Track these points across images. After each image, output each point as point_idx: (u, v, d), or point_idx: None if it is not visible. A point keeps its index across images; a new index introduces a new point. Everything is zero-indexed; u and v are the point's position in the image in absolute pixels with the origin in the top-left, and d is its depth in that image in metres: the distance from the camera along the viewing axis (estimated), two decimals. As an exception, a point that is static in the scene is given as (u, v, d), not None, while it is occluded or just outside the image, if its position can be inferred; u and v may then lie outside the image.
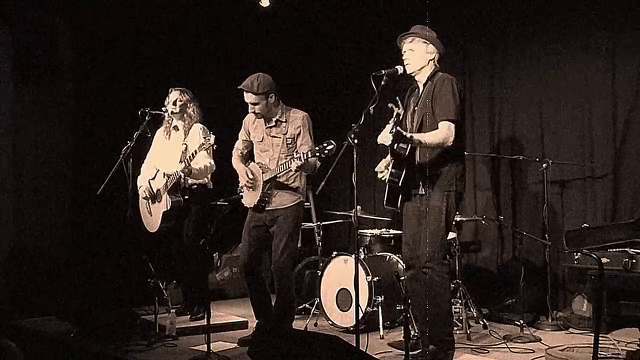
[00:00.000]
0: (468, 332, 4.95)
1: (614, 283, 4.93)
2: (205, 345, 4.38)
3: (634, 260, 4.84)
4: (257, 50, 7.19)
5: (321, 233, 5.98)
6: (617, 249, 4.95)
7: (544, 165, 5.43)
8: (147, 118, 5.17)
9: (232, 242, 6.96)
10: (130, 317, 5.10)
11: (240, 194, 4.95)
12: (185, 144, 5.16)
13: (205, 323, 4.45)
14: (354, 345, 3.72)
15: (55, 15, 6.29)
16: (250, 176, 4.80)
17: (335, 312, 5.33)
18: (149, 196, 5.50)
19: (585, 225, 5.37)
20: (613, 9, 5.60)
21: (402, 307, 4.75)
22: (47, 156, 6.35)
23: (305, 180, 4.91)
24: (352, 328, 5.07)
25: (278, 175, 4.73)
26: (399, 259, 5.45)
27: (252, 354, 3.84)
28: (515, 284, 5.37)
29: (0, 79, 6.17)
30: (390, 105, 4.05)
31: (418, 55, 4.28)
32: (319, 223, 6.01)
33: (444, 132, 4.11)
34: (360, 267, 4.66)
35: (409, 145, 4.11)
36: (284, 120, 4.82)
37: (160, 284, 5.23)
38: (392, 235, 5.77)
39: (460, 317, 5.09)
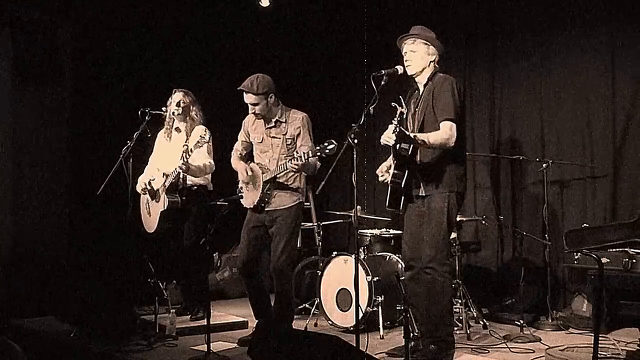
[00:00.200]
0: (468, 332, 4.95)
1: (614, 283, 4.93)
2: (205, 345, 4.38)
3: (634, 260, 4.84)
4: (257, 50, 7.20)
5: (321, 233, 5.98)
6: (617, 249, 4.94)
7: (544, 165, 5.43)
8: (147, 118, 5.17)
9: (232, 242, 6.95)
10: (130, 317, 5.10)
11: (240, 194, 4.95)
12: (186, 145, 5.17)
13: (205, 323, 4.44)
14: (354, 345, 3.72)
15: (55, 16, 6.29)
16: (250, 172, 4.79)
17: (335, 312, 5.33)
18: (145, 191, 5.47)
19: (585, 225, 5.36)
20: (613, 8, 5.60)
21: (402, 307, 4.76)
22: (47, 156, 6.35)
23: (305, 181, 4.91)
24: (352, 328, 5.07)
25: (278, 176, 4.73)
26: (399, 259, 5.46)
27: (252, 354, 3.84)
28: (515, 284, 5.37)
29: (0, 79, 6.16)
30: (393, 104, 4.05)
31: (419, 57, 4.28)
32: (319, 223, 6.01)
33: (446, 132, 4.12)
34: (360, 267, 4.66)
35: (411, 146, 4.11)
36: (284, 120, 4.82)
37: (160, 284, 5.23)
38: (392, 235, 5.77)
39: (460, 317, 5.09)
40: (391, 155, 4.28)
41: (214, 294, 6.48)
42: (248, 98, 4.74)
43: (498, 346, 4.73)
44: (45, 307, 5.61)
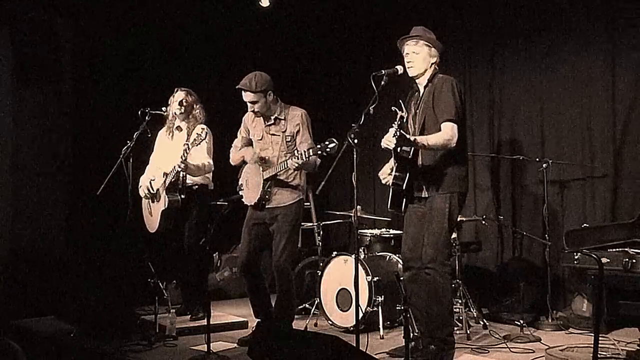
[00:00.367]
0: (468, 332, 4.95)
1: (614, 283, 4.93)
2: (205, 345, 4.38)
3: (634, 260, 4.84)
4: (257, 50, 7.20)
5: (321, 233, 5.98)
6: (617, 249, 4.95)
7: (544, 165, 5.43)
8: (147, 118, 5.17)
9: (232, 242, 6.96)
10: (130, 317, 5.10)
11: (240, 192, 4.95)
12: (187, 144, 5.17)
13: (205, 323, 4.44)
14: (354, 345, 3.72)
15: (55, 15, 6.29)
16: (258, 151, 4.76)
17: (335, 312, 5.33)
18: (148, 195, 5.50)
19: (585, 225, 5.38)
20: (613, 8, 5.60)
21: (402, 307, 4.75)
22: (47, 156, 6.35)
23: (305, 178, 4.91)
24: (352, 328, 5.07)
25: (278, 174, 4.73)
26: (399, 259, 5.44)
27: (252, 354, 3.84)
28: (515, 284, 5.37)
29: (0, 79, 6.16)
30: (393, 108, 4.05)
31: (422, 59, 4.27)
32: (319, 223, 6.01)
33: (447, 133, 4.12)
34: (360, 267, 4.66)
35: (412, 148, 4.11)
36: (283, 118, 4.82)
37: (160, 284, 5.22)
38: (392, 235, 5.77)
39: (460, 317, 5.09)
40: (392, 159, 4.28)
41: (214, 294, 6.47)
42: (247, 96, 4.74)
43: (498, 346, 4.72)
44: (45, 307, 5.61)
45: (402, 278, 4.43)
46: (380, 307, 5.10)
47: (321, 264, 5.60)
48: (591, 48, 5.73)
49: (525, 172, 6.11)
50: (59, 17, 6.31)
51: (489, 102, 6.38)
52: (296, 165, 4.53)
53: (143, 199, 5.57)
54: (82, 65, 6.50)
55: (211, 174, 5.52)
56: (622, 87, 5.57)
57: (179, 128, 5.54)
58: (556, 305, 5.52)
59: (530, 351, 4.57)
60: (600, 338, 3.70)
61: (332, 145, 4.31)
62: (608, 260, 4.86)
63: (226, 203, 5.37)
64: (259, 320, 4.94)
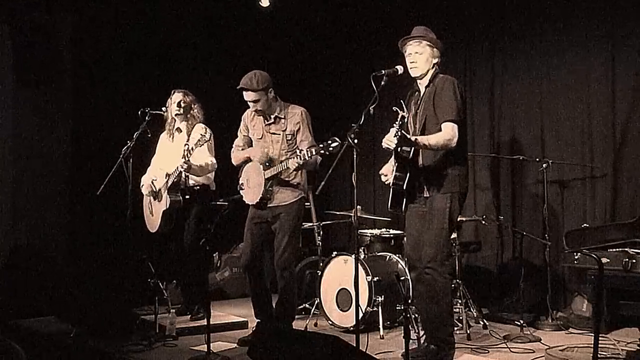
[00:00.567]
0: (468, 332, 4.95)
1: (614, 283, 4.93)
2: (205, 345, 4.38)
3: (634, 260, 4.84)
4: (257, 50, 7.19)
5: (321, 233, 5.98)
6: (617, 249, 4.94)
7: (544, 165, 5.43)
8: (147, 118, 5.17)
9: (232, 242, 6.96)
10: (130, 317, 5.10)
11: (241, 191, 4.95)
12: (187, 144, 5.17)
13: (205, 323, 4.44)
14: (354, 345, 3.72)
15: (55, 15, 6.29)
16: (265, 150, 4.77)
17: (335, 312, 5.33)
18: (151, 193, 5.49)
19: (585, 225, 5.37)
20: (613, 8, 5.60)
21: (402, 307, 4.75)
22: (47, 156, 6.35)
23: (306, 177, 4.91)
24: (352, 328, 5.07)
25: (280, 173, 4.74)
26: (399, 259, 5.46)
27: (252, 354, 3.84)
28: (515, 284, 5.37)
29: (0, 79, 6.16)
30: (394, 108, 4.05)
31: (425, 59, 4.27)
32: (319, 223, 6.01)
33: (448, 133, 4.12)
34: (360, 267, 4.66)
35: (412, 148, 4.11)
36: (283, 116, 4.83)
37: (160, 284, 5.23)
38: (392, 235, 5.77)
39: (460, 317, 5.09)
40: (392, 158, 4.28)
41: (214, 294, 6.48)
42: (248, 96, 4.74)
43: (498, 346, 4.72)
44: (45, 307, 5.61)
45: (402, 278, 4.45)
46: (380, 307, 5.10)
47: (321, 264, 5.60)
48: (591, 48, 5.73)
49: (525, 172, 6.11)
50: (59, 17, 6.31)
51: (489, 102, 6.38)
52: (297, 165, 4.54)
53: (144, 198, 5.58)
54: (82, 65, 6.50)
55: (213, 173, 5.52)
56: (622, 87, 5.57)
57: (178, 129, 5.54)
58: (556, 305, 5.52)
59: (530, 351, 4.58)
60: (600, 338, 3.70)
61: (334, 144, 4.31)
62: (608, 260, 4.86)
63: (226, 203, 5.36)
64: (259, 320, 4.94)
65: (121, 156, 5.03)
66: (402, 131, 3.96)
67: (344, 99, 7.38)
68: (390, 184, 4.26)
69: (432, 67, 4.31)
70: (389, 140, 3.99)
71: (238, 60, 7.03)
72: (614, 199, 5.58)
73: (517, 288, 5.29)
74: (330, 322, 5.35)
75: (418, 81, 4.37)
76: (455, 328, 4.88)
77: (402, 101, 4.30)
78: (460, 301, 5.16)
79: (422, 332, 4.46)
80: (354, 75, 7.25)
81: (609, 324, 5.02)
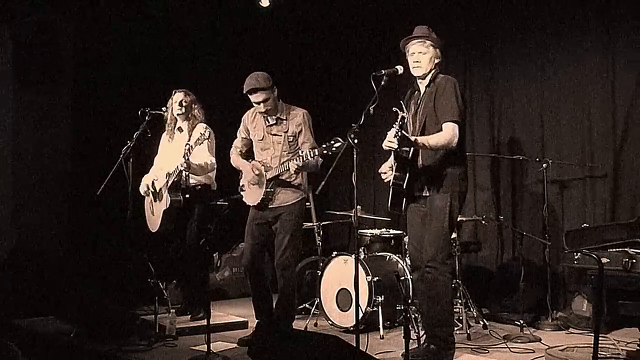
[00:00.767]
0: (468, 332, 4.95)
1: (614, 283, 4.93)
2: (205, 345, 4.38)
3: (634, 260, 4.84)
4: (256, 50, 7.20)
5: (321, 233, 5.98)
6: (617, 249, 4.94)
7: (544, 165, 5.43)
8: (147, 118, 5.17)
9: (233, 242, 6.96)
10: (130, 317, 5.10)
11: (241, 192, 4.95)
12: (188, 143, 5.17)
13: (205, 323, 4.44)
14: (354, 345, 3.72)
15: (55, 16, 6.29)
16: (257, 172, 4.79)
17: (335, 312, 5.33)
18: (148, 192, 5.49)
19: (585, 225, 5.37)
20: (613, 8, 5.60)
21: (402, 307, 4.75)
22: (47, 156, 6.35)
23: (307, 177, 4.92)
24: (352, 328, 5.07)
25: (281, 174, 4.74)
26: (399, 259, 5.46)
27: (252, 354, 3.84)
28: (515, 284, 5.36)
29: (1, 79, 6.16)
30: (395, 109, 4.05)
31: (428, 59, 4.28)
32: (319, 223, 6.01)
33: (448, 133, 4.13)
34: (360, 267, 4.65)
35: (411, 148, 4.11)
36: (284, 118, 4.83)
37: (160, 284, 5.22)
38: (392, 235, 5.77)
39: (460, 317, 5.09)
40: (392, 157, 4.28)
41: (214, 294, 6.48)
42: (258, 96, 4.73)
43: (498, 346, 4.72)
44: (45, 307, 5.61)
45: (402, 278, 4.45)
46: (380, 307, 5.10)
47: (321, 264, 5.60)
48: (591, 48, 5.73)
49: (525, 172, 6.11)
50: (59, 18, 6.31)
51: (489, 102, 6.38)
52: (297, 167, 4.55)
53: (146, 198, 5.58)
54: (82, 65, 6.50)
55: (214, 173, 5.52)
56: (622, 87, 5.57)
57: (179, 129, 5.55)
58: (556, 305, 5.52)
59: (530, 351, 4.57)
60: (600, 338, 3.70)
61: (337, 144, 4.30)
62: (608, 260, 4.86)
63: (226, 203, 5.37)
64: (259, 320, 4.94)
65: (121, 156, 5.02)
66: (403, 132, 3.96)
67: (344, 99, 7.38)
68: (390, 184, 4.26)
69: (434, 67, 4.31)
70: (390, 141, 3.99)
71: (238, 60, 7.04)
72: (614, 199, 5.58)
73: (517, 288, 5.28)
74: (330, 322, 5.35)
75: (418, 81, 4.37)
76: (455, 328, 4.87)
77: (401, 102, 4.31)
78: (460, 301, 5.16)
79: (422, 332, 4.46)
80: (354, 75, 7.25)
81: (609, 324, 5.02)
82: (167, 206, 5.33)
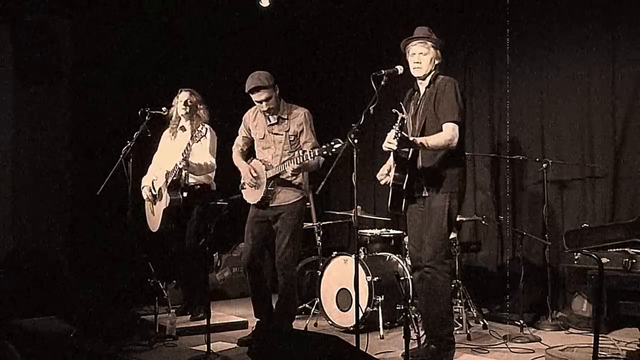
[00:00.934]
0: (468, 332, 4.95)
1: (614, 283, 4.93)
2: (205, 345, 4.38)
3: (634, 260, 4.84)
4: (256, 50, 7.20)
5: (321, 233, 5.98)
6: (617, 249, 4.95)
7: (544, 165, 5.43)
8: (147, 118, 5.17)
9: (232, 242, 6.96)
10: (130, 317, 5.10)
11: (243, 189, 4.95)
12: (189, 143, 5.17)
13: (205, 323, 4.44)
14: (354, 345, 3.72)
15: (55, 16, 6.29)
16: (254, 174, 4.80)
17: (335, 312, 5.33)
18: (150, 197, 5.50)
19: (585, 225, 5.38)
20: (613, 8, 5.60)
21: (402, 307, 4.76)
22: (47, 156, 6.35)
23: (307, 177, 4.92)
24: (352, 328, 5.07)
25: (281, 173, 4.74)
26: (399, 259, 5.46)
27: (252, 354, 3.84)
28: (515, 284, 5.37)
29: (1, 79, 6.16)
30: (394, 110, 4.05)
31: (429, 59, 4.28)
32: (319, 223, 6.01)
33: (449, 133, 4.13)
34: (360, 267, 4.66)
35: (411, 149, 4.11)
36: (286, 117, 4.83)
37: (160, 284, 5.22)
38: (392, 235, 5.78)
39: (460, 317, 5.09)
40: (391, 158, 4.29)
41: (214, 294, 6.48)
42: (261, 95, 4.73)
43: (498, 346, 4.72)
44: (45, 307, 5.61)
45: (402, 278, 4.45)
46: (380, 307, 5.10)
47: (321, 264, 5.60)
48: (591, 48, 5.73)
49: (525, 172, 6.11)
50: (59, 18, 6.31)
51: (489, 102, 6.39)
52: (293, 169, 4.56)
53: (145, 199, 5.58)
54: (82, 65, 6.50)
55: (213, 173, 5.52)
56: (622, 87, 5.57)
57: (182, 128, 5.54)
58: (556, 305, 5.52)
59: (530, 351, 4.57)
60: (600, 338, 3.70)
61: (337, 145, 4.31)
62: (608, 260, 4.86)
63: (226, 203, 5.37)
64: (259, 320, 4.94)
65: (121, 156, 5.02)
66: (402, 133, 3.97)
67: (344, 99, 7.38)
68: (390, 185, 4.26)
69: (434, 68, 4.32)
70: (389, 142, 3.99)
71: (238, 60, 7.04)
72: (614, 199, 5.58)
73: (517, 288, 5.29)
74: (330, 322, 5.35)
75: (419, 81, 4.37)
76: (455, 328, 4.88)
77: (401, 103, 4.31)
78: (460, 301, 5.16)
79: (422, 332, 4.46)
80: (354, 75, 7.25)
81: (609, 324, 5.02)
82: (167, 205, 5.33)
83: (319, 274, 5.49)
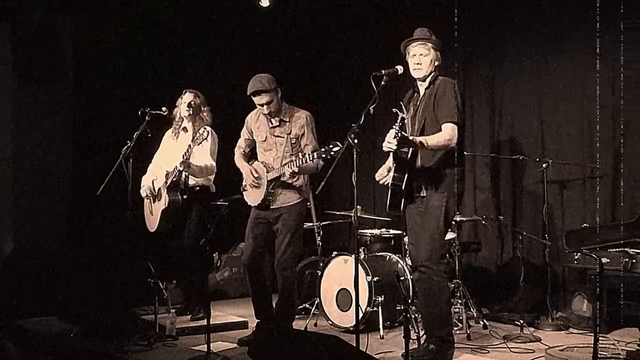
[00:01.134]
0: (468, 332, 4.95)
1: (614, 283, 4.93)
2: (205, 345, 4.38)
3: (634, 260, 4.84)
4: (257, 50, 7.20)
5: (321, 233, 5.98)
6: (617, 249, 4.95)
7: (544, 165, 5.43)
8: (147, 118, 5.16)
9: (232, 242, 6.96)
10: (130, 317, 5.10)
11: (244, 191, 4.95)
12: (190, 145, 5.17)
13: (205, 323, 4.44)
14: (354, 345, 3.72)
15: (56, 15, 6.29)
16: (256, 175, 4.81)
17: (335, 312, 5.33)
18: (149, 195, 5.51)
19: (585, 225, 5.38)
20: (613, 8, 5.60)
21: (402, 307, 4.75)
22: (47, 156, 6.35)
23: (308, 178, 4.92)
24: (352, 328, 5.07)
25: (282, 175, 4.75)
26: (399, 259, 5.46)
27: (252, 354, 3.85)
28: (515, 284, 5.37)
29: (1, 78, 6.16)
30: (394, 110, 4.06)
31: (429, 61, 4.29)
32: (319, 223, 6.01)
33: (448, 133, 4.14)
34: (360, 267, 4.65)
35: (410, 149, 4.12)
36: (287, 120, 4.84)
37: (160, 284, 5.22)
38: (392, 235, 5.77)
39: (460, 317, 5.09)
40: (390, 158, 4.29)
41: (214, 294, 6.48)
42: (262, 98, 4.73)
43: (498, 346, 4.72)
44: (45, 307, 5.61)
45: (402, 278, 4.45)
46: (380, 307, 5.10)
47: (321, 264, 5.60)
48: (591, 48, 5.72)
49: (525, 172, 6.11)
50: (60, 16, 6.31)
51: (489, 102, 6.38)
52: (291, 172, 4.59)
53: (145, 198, 5.58)
54: (83, 64, 6.50)
55: (213, 176, 5.51)
56: (622, 87, 5.56)
57: (185, 129, 5.54)
58: (556, 305, 5.52)
59: (530, 351, 4.58)
60: (600, 338, 3.71)
61: (336, 148, 4.32)
62: (608, 260, 4.86)
63: (226, 203, 5.37)
64: (259, 320, 4.95)
65: (121, 156, 5.02)
66: (402, 133, 3.97)
67: (344, 99, 7.37)
68: (389, 185, 4.26)
69: (434, 69, 4.32)
70: (389, 142, 4.00)
71: (237, 60, 7.04)
72: (614, 199, 5.58)
73: (517, 288, 5.29)
74: (330, 322, 5.35)
75: (418, 82, 4.38)
76: (455, 328, 4.88)
77: (401, 103, 4.31)
78: (460, 301, 5.16)
79: (422, 332, 4.46)
80: (354, 75, 7.24)
81: (609, 324, 5.02)
82: (166, 205, 5.33)
83: (319, 274, 5.49)
